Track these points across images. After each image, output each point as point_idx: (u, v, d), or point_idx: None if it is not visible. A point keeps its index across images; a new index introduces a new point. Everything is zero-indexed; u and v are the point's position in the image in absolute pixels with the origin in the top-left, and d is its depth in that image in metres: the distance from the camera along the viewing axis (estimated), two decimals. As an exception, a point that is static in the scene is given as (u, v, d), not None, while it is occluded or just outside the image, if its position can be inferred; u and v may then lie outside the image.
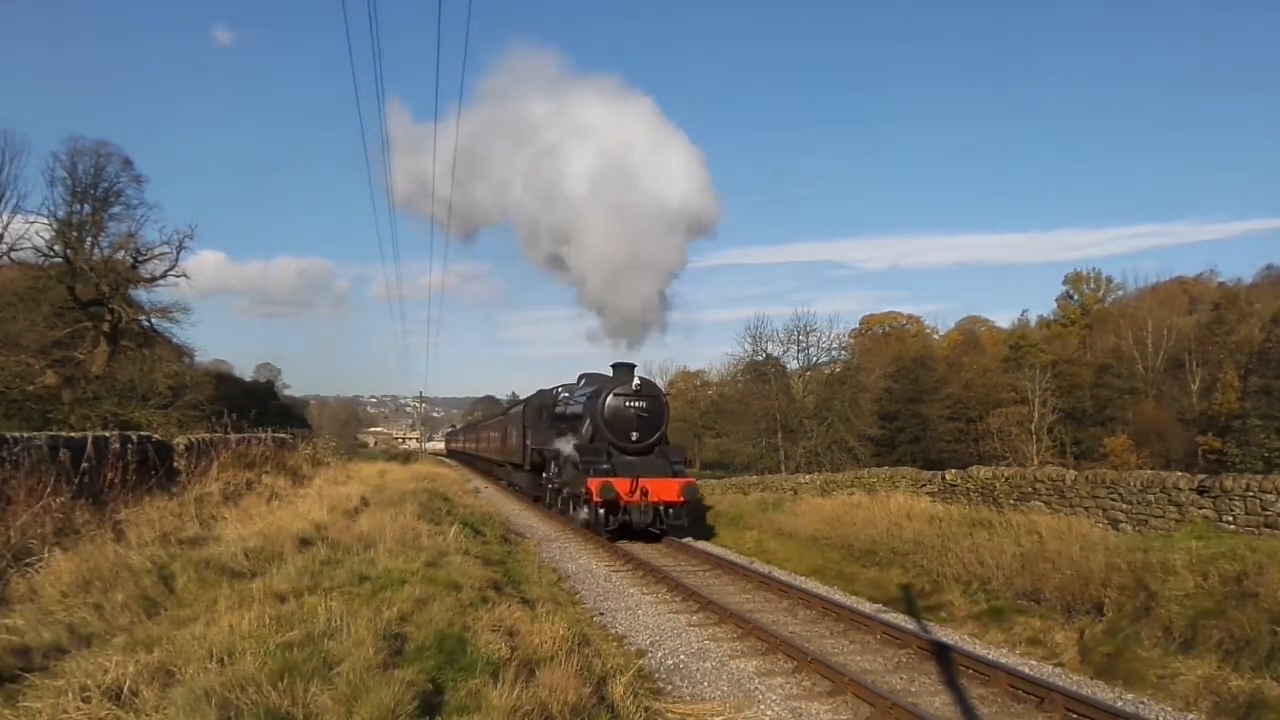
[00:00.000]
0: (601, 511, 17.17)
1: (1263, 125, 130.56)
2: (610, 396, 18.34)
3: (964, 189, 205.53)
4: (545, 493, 23.84)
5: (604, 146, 20.54)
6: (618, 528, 17.25)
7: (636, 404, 18.48)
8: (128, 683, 4.89)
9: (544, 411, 24.02)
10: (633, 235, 18.78)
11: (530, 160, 22.55)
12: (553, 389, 24.48)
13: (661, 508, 17.32)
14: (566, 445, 19.70)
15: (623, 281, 18.76)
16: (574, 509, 19.51)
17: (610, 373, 19.69)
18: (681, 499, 17.46)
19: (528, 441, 26.07)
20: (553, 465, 22.18)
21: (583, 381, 22.29)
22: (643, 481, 17.10)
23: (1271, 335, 47.17)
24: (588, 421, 18.72)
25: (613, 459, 17.79)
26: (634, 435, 18.26)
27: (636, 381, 18.57)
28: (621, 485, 16.93)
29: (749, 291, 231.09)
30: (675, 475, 18.03)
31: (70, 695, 4.70)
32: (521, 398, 37.20)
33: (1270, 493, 11.91)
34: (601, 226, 19.20)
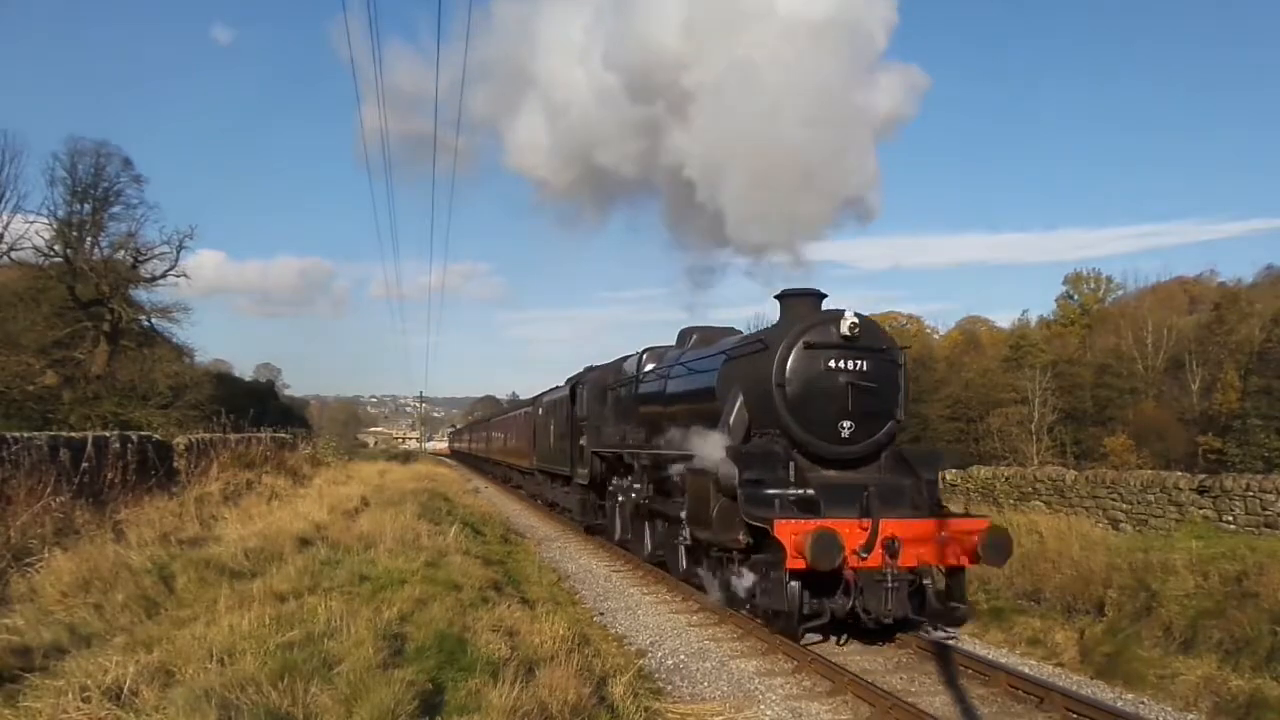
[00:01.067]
0: (794, 585, 8.27)
1: (1263, 125, 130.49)
2: (799, 348, 9.33)
3: (964, 189, 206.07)
4: (614, 523, 15.55)
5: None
6: (828, 618, 8.51)
7: (851, 364, 9.41)
8: (128, 683, 4.89)
9: (609, 393, 15.80)
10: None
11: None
12: (616, 361, 16.24)
13: (924, 578, 8.77)
14: (699, 443, 10.24)
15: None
16: (717, 572, 10.35)
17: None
18: (967, 560, 8.62)
19: (582, 442, 17.26)
20: (643, 480, 13.21)
21: (693, 340, 13.18)
22: (888, 526, 8.28)
23: (1271, 335, 47.13)
24: (738, 403, 9.90)
25: (802, 476, 9.15)
26: (845, 427, 9.37)
27: (853, 319, 9.43)
28: (852, 534, 8.15)
29: (749, 291, 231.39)
30: (937, 511, 9.22)
31: (70, 695, 4.70)
32: (522, 398, 35.77)
33: (1270, 493, 11.91)
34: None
